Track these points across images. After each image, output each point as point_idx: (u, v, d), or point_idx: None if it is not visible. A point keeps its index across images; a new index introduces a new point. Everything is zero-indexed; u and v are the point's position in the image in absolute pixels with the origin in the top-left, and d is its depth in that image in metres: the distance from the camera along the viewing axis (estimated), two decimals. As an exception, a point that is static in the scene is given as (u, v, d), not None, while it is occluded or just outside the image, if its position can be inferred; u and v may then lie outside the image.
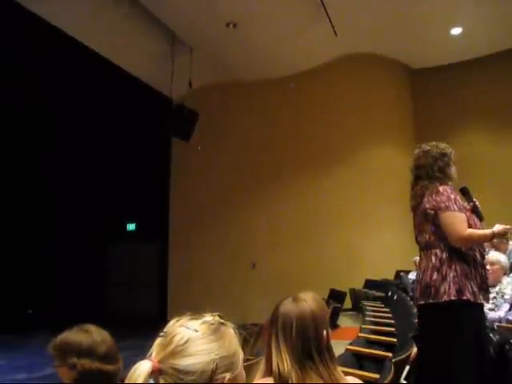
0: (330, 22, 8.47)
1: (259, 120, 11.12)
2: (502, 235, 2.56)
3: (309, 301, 1.43)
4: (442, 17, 8.85)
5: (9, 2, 6.85)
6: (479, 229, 2.52)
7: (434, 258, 2.49)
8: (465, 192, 2.66)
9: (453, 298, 2.37)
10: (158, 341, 0.93)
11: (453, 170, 2.64)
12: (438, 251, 2.49)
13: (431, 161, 2.62)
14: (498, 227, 2.47)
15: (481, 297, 2.40)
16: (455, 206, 2.45)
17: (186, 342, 0.91)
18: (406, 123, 10.62)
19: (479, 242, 2.49)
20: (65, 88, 9.90)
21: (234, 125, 11.28)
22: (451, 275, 2.40)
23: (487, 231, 2.46)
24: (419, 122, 10.65)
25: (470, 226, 2.46)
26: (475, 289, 2.38)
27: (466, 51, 10.00)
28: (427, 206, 2.53)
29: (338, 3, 8.16)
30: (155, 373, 0.87)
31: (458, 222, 2.43)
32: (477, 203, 2.58)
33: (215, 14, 8.51)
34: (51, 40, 8.01)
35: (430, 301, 2.44)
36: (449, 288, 2.39)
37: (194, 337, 0.92)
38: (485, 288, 2.43)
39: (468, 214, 2.52)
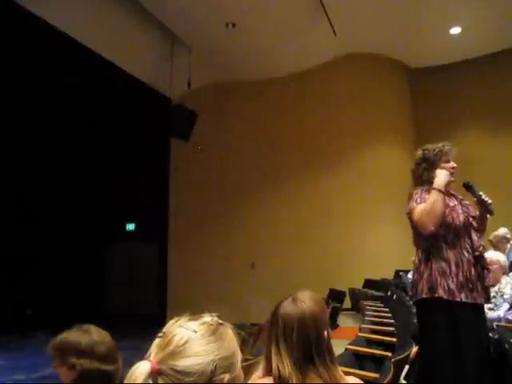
0: (329, 21, 8.47)
1: (258, 120, 11.11)
2: (447, 180, 2.47)
3: (308, 301, 1.43)
4: (441, 16, 8.85)
5: (7, 2, 6.84)
6: (472, 223, 2.54)
7: (416, 259, 2.59)
8: (468, 187, 2.61)
9: (424, 295, 2.43)
10: (157, 341, 0.93)
11: (433, 173, 2.57)
12: (419, 252, 2.57)
13: (414, 167, 2.72)
14: (437, 181, 2.45)
15: (462, 295, 2.37)
16: (414, 204, 2.52)
17: (186, 342, 0.91)
18: (406, 122, 10.62)
19: (434, 207, 2.41)
20: (63, 88, 9.88)
21: (232, 125, 11.28)
22: (426, 274, 2.46)
23: (432, 191, 2.45)
24: (419, 122, 10.65)
25: (450, 220, 2.47)
26: (452, 286, 2.38)
27: (465, 51, 10.00)
28: (406, 211, 2.63)
29: (337, 2, 8.16)
30: (154, 373, 0.87)
31: (414, 213, 2.49)
32: (483, 197, 2.52)
33: (214, 13, 8.51)
34: (49, 40, 7.99)
35: (414, 299, 2.56)
36: (422, 286, 2.45)
37: (193, 337, 0.92)
38: (471, 287, 2.39)
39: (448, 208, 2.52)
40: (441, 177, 2.46)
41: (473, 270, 2.43)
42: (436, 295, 2.38)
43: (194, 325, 0.95)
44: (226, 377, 0.92)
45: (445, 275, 2.40)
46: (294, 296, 1.45)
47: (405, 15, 8.72)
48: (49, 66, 8.93)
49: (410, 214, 2.55)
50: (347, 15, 8.59)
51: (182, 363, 0.88)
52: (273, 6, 8.30)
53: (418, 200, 2.52)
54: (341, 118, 10.32)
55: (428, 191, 2.53)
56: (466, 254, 2.45)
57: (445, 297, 2.37)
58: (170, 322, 0.96)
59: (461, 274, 2.40)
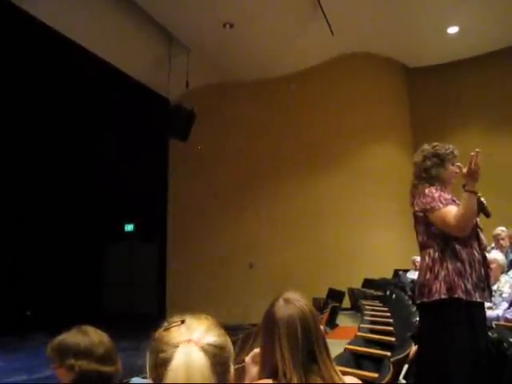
0: (327, 21, 8.47)
1: (256, 120, 11.12)
2: (473, 177, 2.31)
3: (302, 299, 1.42)
4: (439, 16, 8.86)
5: (6, 4, 6.84)
6: (478, 223, 2.52)
7: (427, 258, 2.52)
8: None
9: (443, 296, 2.39)
10: (183, 327, 0.92)
11: (442, 171, 2.59)
12: (431, 251, 2.51)
13: (421, 160, 2.65)
14: (470, 182, 2.33)
15: (477, 295, 2.38)
16: (440, 204, 2.46)
17: (210, 325, 0.94)
18: (403, 122, 10.64)
19: (471, 210, 2.37)
20: (62, 88, 9.87)
21: (231, 125, 11.28)
22: (443, 274, 2.42)
23: (463, 196, 2.37)
24: (416, 121, 10.67)
25: None
26: (469, 287, 2.38)
27: (462, 50, 10.02)
28: (416, 208, 2.58)
29: (334, 2, 8.16)
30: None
31: (446, 215, 2.43)
32: (481, 199, 2.51)
33: (212, 14, 8.51)
34: (48, 41, 7.98)
35: (425, 300, 2.48)
36: (440, 286, 2.40)
37: (210, 323, 0.95)
38: (482, 286, 2.42)
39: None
40: (473, 179, 2.33)
41: (482, 269, 2.45)
42: (455, 296, 2.36)
43: (199, 318, 0.97)
44: (232, 368, 0.95)
45: (461, 275, 2.39)
46: (284, 298, 1.42)
47: (402, 15, 8.73)
48: (46, 65, 8.92)
49: (428, 212, 2.49)
50: (345, 15, 8.59)
51: (218, 338, 0.91)
52: (270, 7, 8.30)
53: (444, 201, 2.46)
54: (339, 117, 10.32)
55: (443, 190, 2.53)
56: (476, 254, 2.46)
57: (464, 297, 2.36)
58: (173, 319, 0.97)
59: (474, 274, 2.41)
